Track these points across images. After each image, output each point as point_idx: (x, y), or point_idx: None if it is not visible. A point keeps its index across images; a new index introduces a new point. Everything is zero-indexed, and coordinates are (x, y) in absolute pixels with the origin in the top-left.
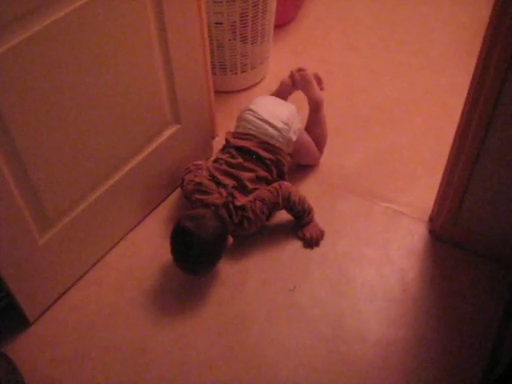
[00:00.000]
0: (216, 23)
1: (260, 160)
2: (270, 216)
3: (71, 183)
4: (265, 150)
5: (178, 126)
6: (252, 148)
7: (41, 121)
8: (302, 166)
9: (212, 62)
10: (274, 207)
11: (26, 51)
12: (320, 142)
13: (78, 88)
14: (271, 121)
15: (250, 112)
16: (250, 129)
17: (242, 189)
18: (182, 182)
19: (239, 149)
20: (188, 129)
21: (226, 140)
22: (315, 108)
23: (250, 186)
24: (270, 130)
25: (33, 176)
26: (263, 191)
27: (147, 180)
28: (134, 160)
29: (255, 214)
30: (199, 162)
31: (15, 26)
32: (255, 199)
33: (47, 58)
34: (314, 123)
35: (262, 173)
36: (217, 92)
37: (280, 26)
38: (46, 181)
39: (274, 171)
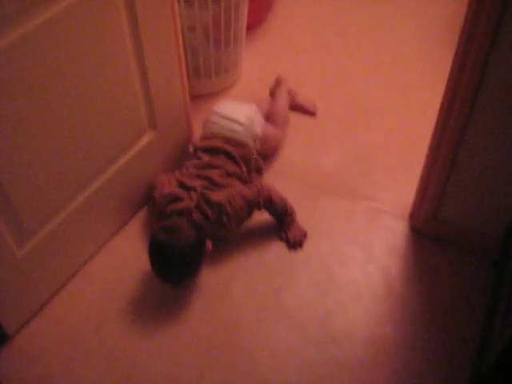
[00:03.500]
0: (189, 27)
1: (228, 156)
2: (249, 215)
3: (48, 194)
4: (231, 145)
5: (155, 132)
6: (218, 145)
7: (14, 132)
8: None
9: (186, 66)
10: (254, 205)
11: None
12: (279, 118)
13: (51, 97)
14: (234, 116)
15: (213, 113)
16: (214, 128)
17: (214, 186)
18: (154, 200)
19: (206, 150)
20: (165, 134)
21: (194, 145)
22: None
23: (221, 181)
24: (234, 125)
25: (8, 188)
26: (243, 188)
27: (126, 187)
28: (112, 167)
29: (234, 208)
30: (162, 177)
31: None
32: (234, 195)
33: (16, 69)
34: (274, 98)
35: (232, 168)
36: (191, 96)
37: (251, 27)
38: (22, 192)
39: (243, 166)
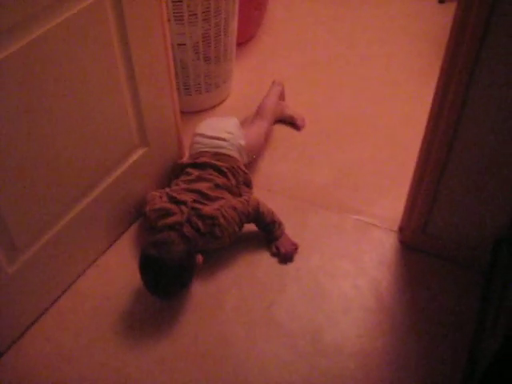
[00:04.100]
0: (179, 44)
1: (216, 169)
2: (241, 227)
3: (38, 210)
4: (219, 160)
5: (146, 149)
6: (207, 160)
7: (4, 148)
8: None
9: (176, 82)
10: (244, 217)
11: None
12: (267, 112)
13: (41, 114)
14: (217, 134)
15: (197, 135)
16: (201, 148)
17: (205, 199)
18: (145, 215)
19: (195, 165)
20: (156, 151)
21: (181, 164)
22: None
23: (212, 193)
24: (219, 142)
25: None
26: (232, 200)
27: (116, 203)
28: (103, 184)
29: (226, 220)
30: (153, 192)
31: None
32: (224, 206)
33: (7, 86)
34: (267, 93)
35: (221, 180)
36: (182, 113)
37: (241, 44)
38: (12, 209)
39: (232, 178)
